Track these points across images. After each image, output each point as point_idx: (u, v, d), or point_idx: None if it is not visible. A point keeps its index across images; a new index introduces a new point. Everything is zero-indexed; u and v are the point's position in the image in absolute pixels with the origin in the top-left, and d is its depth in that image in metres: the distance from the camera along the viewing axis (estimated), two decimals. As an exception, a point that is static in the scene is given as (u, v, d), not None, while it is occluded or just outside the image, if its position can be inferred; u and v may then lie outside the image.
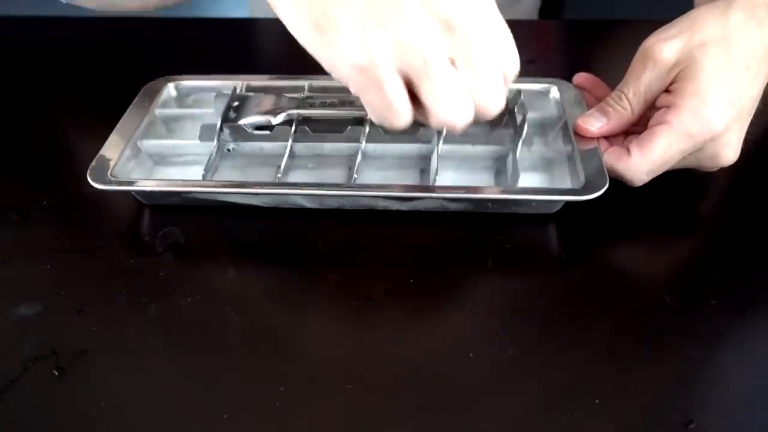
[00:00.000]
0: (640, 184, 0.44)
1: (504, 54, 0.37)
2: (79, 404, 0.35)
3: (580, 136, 0.46)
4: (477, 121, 0.38)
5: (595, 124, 0.46)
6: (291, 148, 0.46)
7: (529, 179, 0.46)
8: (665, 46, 0.43)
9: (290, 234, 0.44)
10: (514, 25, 0.37)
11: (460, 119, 0.37)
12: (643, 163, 0.43)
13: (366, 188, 0.44)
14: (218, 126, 0.47)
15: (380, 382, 0.35)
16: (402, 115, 0.37)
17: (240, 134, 0.47)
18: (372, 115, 0.38)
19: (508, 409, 0.34)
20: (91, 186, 0.43)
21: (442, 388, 0.35)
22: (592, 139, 0.46)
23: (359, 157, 0.45)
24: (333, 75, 0.37)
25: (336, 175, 0.47)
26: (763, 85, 0.44)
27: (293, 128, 0.47)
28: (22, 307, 0.39)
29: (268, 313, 0.39)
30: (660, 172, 0.44)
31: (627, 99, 0.45)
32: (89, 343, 0.37)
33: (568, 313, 0.39)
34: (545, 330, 0.38)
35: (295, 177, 0.47)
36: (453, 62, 0.36)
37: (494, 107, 0.38)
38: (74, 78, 0.59)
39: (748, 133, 0.44)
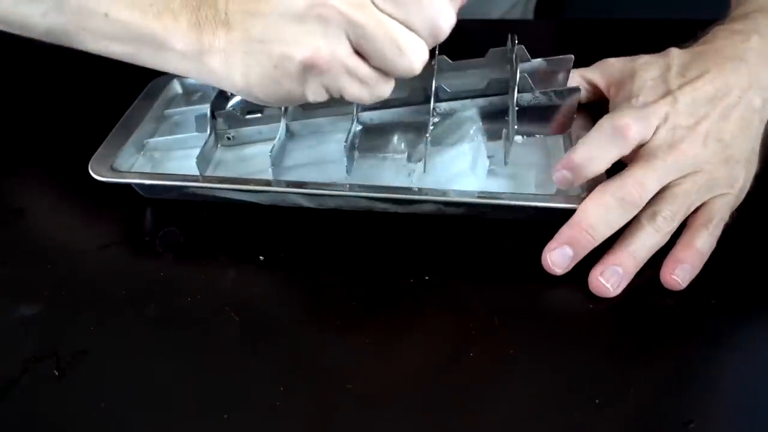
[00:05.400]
0: None
1: None
2: (79, 404, 0.35)
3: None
4: (436, 44, 0.37)
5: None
6: (287, 127, 0.46)
7: (527, 180, 0.45)
8: None
9: (290, 233, 0.44)
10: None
11: (417, 57, 0.36)
12: None
13: (361, 189, 0.43)
14: (208, 113, 0.47)
15: (380, 382, 0.35)
16: (412, 54, 0.36)
17: (234, 120, 0.48)
18: (372, 88, 0.37)
19: (508, 409, 0.34)
20: (92, 185, 0.43)
21: (442, 388, 0.35)
22: None
23: (353, 127, 0.45)
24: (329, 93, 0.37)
25: (335, 150, 0.46)
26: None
27: (283, 107, 0.47)
28: (22, 307, 0.39)
29: (268, 313, 0.39)
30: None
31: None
32: (89, 343, 0.37)
33: (568, 312, 0.39)
34: (545, 330, 0.38)
35: (295, 158, 0.47)
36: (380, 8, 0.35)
37: (443, 26, 0.36)
38: (80, 74, 0.59)
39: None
